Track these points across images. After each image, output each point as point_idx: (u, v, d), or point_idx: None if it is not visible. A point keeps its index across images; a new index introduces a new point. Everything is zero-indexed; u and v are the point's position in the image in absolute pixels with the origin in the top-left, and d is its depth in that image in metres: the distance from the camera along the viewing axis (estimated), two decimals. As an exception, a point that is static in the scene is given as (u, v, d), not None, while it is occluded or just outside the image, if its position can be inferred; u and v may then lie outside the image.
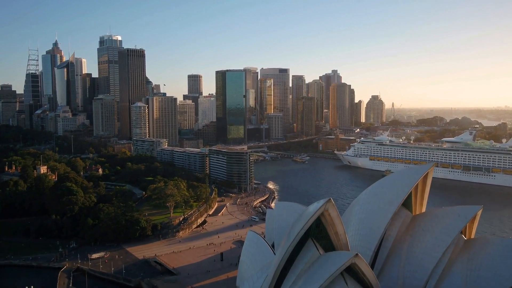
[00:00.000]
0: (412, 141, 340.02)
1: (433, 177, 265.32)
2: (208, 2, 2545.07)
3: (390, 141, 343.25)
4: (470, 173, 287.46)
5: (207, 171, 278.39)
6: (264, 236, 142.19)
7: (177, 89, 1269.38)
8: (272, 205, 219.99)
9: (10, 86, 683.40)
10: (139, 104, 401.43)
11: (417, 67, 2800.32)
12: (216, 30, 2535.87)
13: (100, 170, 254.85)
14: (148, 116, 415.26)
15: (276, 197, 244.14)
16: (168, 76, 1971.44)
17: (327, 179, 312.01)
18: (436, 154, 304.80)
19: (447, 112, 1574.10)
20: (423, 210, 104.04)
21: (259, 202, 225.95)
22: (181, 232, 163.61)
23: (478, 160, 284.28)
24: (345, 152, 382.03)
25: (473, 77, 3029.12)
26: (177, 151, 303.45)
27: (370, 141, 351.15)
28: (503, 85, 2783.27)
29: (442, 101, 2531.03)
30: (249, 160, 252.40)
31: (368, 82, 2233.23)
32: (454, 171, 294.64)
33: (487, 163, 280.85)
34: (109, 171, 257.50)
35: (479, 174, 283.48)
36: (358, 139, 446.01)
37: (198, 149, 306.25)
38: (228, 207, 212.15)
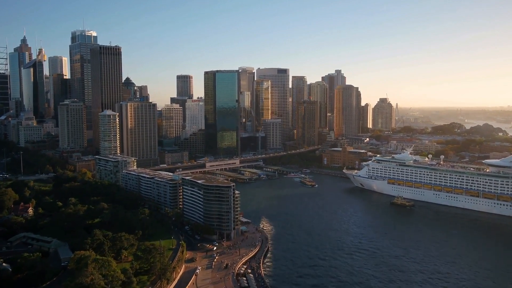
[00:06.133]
0: (442, 161, 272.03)
1: (472, 210, 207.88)
2: (206, 3, 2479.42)
3: (415, 160, 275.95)
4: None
5: (181, 206, 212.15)
6: None
7: (166, 91, 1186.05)
8: (262, 272, 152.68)
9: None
10: (108, 112, 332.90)
11: (418, 67, 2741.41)
12: (212, 30, 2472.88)
13: (31, 210, 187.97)
14: (120, 126, 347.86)
15: (269, 249, 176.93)
16: (159, 78, 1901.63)
17: (337, 212, 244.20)
18: (477, 181, 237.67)
19: (453, 112, 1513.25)
20: None
21: (245, 263, 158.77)
22: None
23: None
24: (356, 171, 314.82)
25: (474, 78, 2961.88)
26: (145, 177, 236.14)
27: (389, 161, 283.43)
28: (503, 86, 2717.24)
29: (443, 101, 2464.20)
30: (233, 197, 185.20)
31: (369, 82, 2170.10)
32: (501, 204, 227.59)
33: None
34: (44, 210, 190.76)
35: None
36: (369, 153, 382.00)
37: (171, 174, 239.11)
38: (199, 275, 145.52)
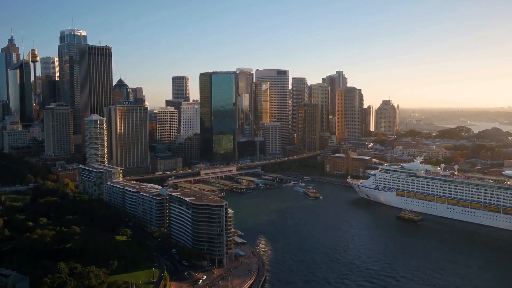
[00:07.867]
0: (456, 172, 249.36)
1: (492, 227, 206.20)
2: (206, 3, 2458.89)
3: (426, 170, 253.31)
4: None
5: (168, 225, 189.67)
6: None
7: (166, 92, 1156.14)
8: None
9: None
10: (94, 117, 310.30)
11: (418, 67, 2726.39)
12: (212, 31, 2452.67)
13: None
14: (109, 131, 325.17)
15: (267, 279, 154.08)
16: (159, 79, 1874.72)
17: (343, 229, 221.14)
18: (497, 195, 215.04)
19: (454, 113, 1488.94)
20: None
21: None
22: None
23: None
24: (361, 181, 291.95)
25: (474, 78, 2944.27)
26: (129, 191, 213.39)
27: (398, 170, 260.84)
28: (503, 86, 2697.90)
29: (443, 101, 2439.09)
30: (226, 217, 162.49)
31: (368, 83, 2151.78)
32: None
33: None
34: (12, 232, 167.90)
35: None
36: (374, 159, 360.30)
37: (159, 188, 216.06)
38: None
